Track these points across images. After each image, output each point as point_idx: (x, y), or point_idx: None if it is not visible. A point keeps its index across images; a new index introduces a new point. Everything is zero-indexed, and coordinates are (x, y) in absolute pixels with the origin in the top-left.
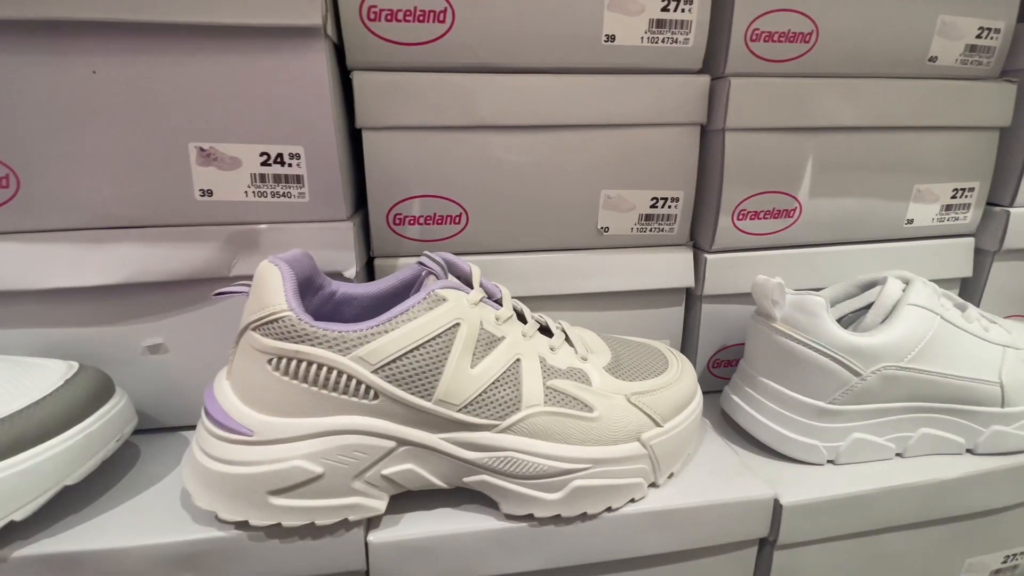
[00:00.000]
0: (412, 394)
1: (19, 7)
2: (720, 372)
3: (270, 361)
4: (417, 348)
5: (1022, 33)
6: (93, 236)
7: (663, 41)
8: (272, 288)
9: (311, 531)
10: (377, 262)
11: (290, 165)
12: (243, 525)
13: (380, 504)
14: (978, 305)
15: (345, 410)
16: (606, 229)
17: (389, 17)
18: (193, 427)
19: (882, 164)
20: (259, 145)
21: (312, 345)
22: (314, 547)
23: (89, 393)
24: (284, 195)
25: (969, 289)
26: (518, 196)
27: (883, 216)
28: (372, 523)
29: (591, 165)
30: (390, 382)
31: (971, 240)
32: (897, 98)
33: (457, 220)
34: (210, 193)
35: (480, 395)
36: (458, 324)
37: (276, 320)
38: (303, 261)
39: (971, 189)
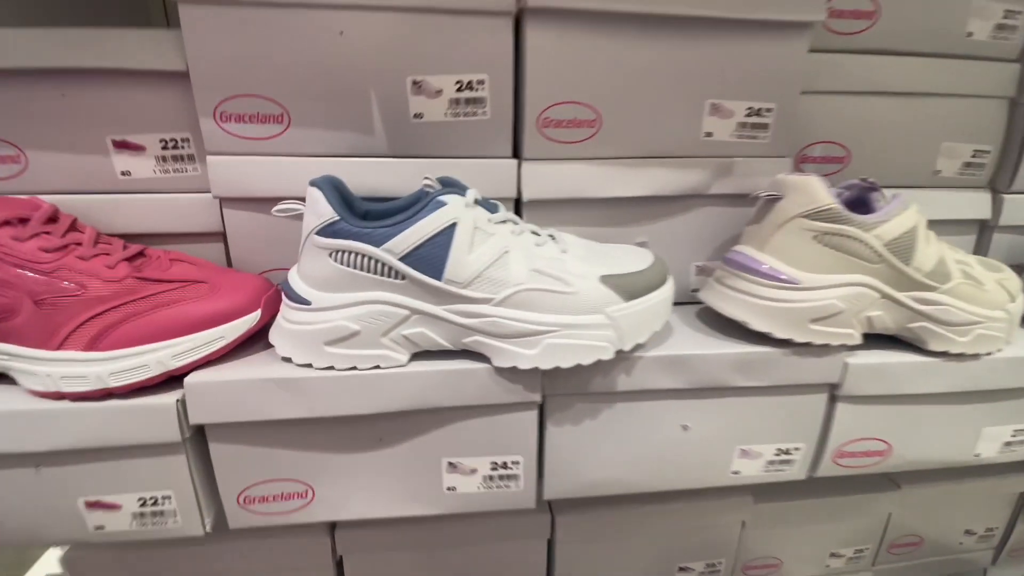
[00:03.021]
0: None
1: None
2: None
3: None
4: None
5: None
6: (633, 163)
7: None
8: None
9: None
10: None
11: (762, 115)
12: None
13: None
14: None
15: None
16: (710, 134)
17: None
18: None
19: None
20: (745, 102)
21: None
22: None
23: (665, 270)
24: (753, 138)
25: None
26: None
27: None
28: None
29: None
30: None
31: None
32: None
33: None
34: (710, 135)
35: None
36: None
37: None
38: None
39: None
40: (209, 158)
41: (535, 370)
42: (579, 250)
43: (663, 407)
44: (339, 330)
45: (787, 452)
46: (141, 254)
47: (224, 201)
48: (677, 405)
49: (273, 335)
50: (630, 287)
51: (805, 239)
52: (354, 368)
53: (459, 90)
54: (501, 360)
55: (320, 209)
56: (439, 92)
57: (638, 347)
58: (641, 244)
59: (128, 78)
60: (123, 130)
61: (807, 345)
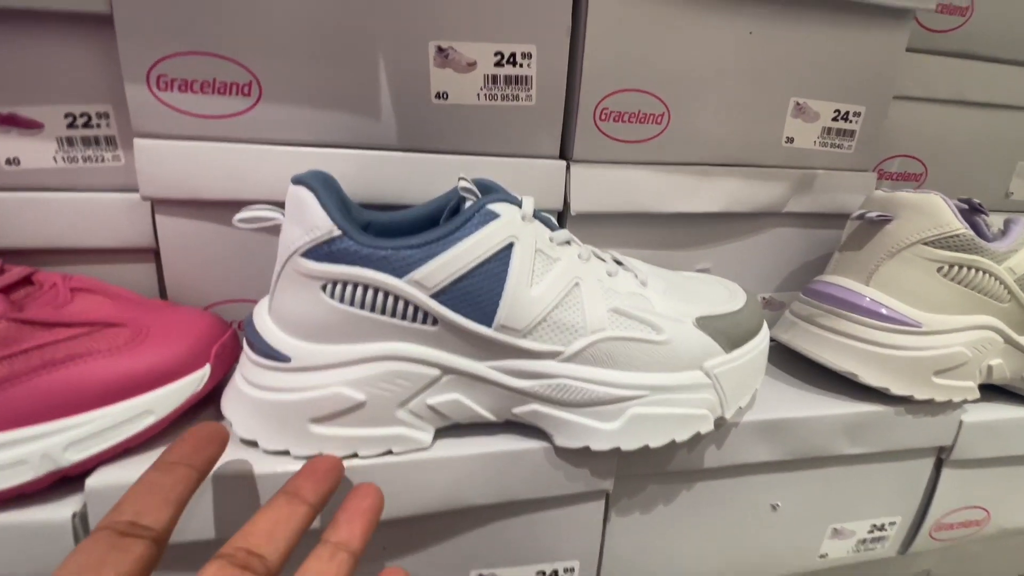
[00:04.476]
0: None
1: None
2: None
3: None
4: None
5: None
6: (702, 171)
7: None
8: None
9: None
10: None
11: (849, 120)
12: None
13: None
14: None
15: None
16: (791, 140)
17: None
18: None
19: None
20: (832, 103)
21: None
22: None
23: (761, 309)
24: (837, 147)
25: None
26: None
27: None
28: None
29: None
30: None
31: None
32: None
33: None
34: (791, 140)
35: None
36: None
37: None
38: None
39: None
40: (137, 142)
41: (613, 451)
42: (657, 282)
43: (751, 484)
44: (335, 400)
45: (881, 528)
46: (27, 281)
47: (158, 204)
48: (768, 480)
49: (228, 405)
50: (732, 332)
51: (926, 271)
52: (354, 456)
53: (498, 64)
54: (567, 438)
55: (310, 218)
56: (472, 65)
57: (737, 413)
58: (703, 271)
59: (21, 23)
60: (11, 99)
61: (926, 403)
